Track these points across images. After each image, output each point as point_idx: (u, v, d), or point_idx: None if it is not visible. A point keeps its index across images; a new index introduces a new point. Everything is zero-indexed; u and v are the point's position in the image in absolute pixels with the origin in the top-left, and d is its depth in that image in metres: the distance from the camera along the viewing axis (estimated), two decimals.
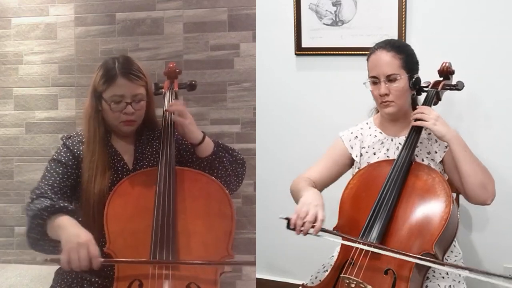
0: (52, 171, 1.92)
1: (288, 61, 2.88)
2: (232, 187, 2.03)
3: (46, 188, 1.86)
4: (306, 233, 1.78)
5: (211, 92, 2.58)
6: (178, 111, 1.94)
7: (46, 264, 2.52)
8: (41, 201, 1.80)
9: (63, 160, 1.94)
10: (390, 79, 1.98)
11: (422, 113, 1.95)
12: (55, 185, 1.88)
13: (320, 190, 2.10)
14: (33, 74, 2.64)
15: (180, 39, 2.59)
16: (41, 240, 1.78)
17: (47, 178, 1.90)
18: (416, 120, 1.95)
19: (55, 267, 2.06)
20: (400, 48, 2.02)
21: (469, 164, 1.90)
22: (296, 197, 2.01)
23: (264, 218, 2.91)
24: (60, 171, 1.91)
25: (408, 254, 1.73)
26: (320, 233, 1.78)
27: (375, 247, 1.78)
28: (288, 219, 1.80)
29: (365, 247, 1.79)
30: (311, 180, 2.10)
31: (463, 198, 2.31)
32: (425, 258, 1.73)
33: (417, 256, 1.73)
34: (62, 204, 1.79)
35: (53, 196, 1.84)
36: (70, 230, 1.70)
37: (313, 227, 1.77)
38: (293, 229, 1.79)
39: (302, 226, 1.78)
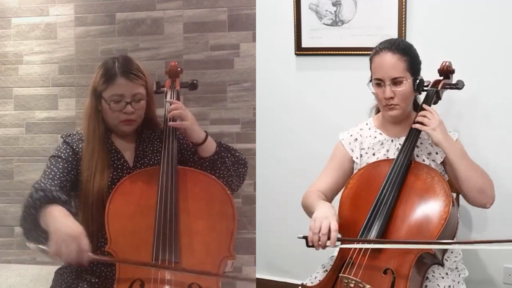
0: (52, 166, 1.91)
1: (288, 61, 2.88)
2: (234, 187, 2.03)
3: (46, 182, 1.85)
4: (324, 247, 1.79)
5: (211, 92, 2.58)
6: (177, 115, 1.92)
7: (46, 264, 2.54)
8: (38, 193, 1.77)
9: (63, 156, 1.93)
10: (395, 82, 1.95)
11: (425, 117, 1.94)
12: (55, 178, 1.87)
13: (331, 199, 2.12)
14: (33, 74, 2.64)
15: (180, 39, 2.59)
16: (34, 231, 1.73)
17: (47, 173, 1.89)
18: (417, 123, 1.95)
19: (55, 267, 2.06)
20: (405, 50, 1.98)
21: (466, 171, 1.90)
22: (308, 212, 2.02)
23: (264, 218, 2.91)
24: (60, 166, 1.91)
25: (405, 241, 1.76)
26: (337, 243, 1.79)
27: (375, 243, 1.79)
28: (306, 237, 1.82)
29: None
30: (320, 192, 2.09)
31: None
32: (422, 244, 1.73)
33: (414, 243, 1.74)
34: (55, 195, 1.76)
35: (52, 188, 1.81)
36: (61, 220, 1.66)
37: (329, 238, 1.78)
38: (313, 246, 1.81)
39: (319, 240, 1.79)
